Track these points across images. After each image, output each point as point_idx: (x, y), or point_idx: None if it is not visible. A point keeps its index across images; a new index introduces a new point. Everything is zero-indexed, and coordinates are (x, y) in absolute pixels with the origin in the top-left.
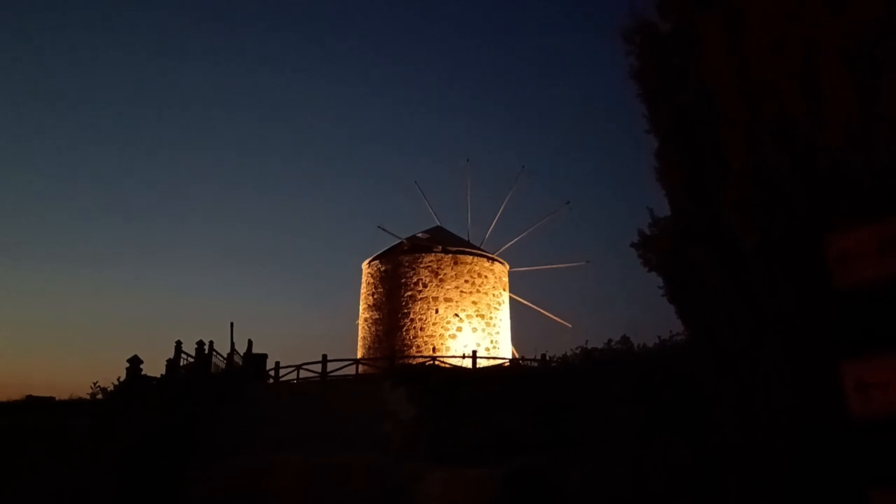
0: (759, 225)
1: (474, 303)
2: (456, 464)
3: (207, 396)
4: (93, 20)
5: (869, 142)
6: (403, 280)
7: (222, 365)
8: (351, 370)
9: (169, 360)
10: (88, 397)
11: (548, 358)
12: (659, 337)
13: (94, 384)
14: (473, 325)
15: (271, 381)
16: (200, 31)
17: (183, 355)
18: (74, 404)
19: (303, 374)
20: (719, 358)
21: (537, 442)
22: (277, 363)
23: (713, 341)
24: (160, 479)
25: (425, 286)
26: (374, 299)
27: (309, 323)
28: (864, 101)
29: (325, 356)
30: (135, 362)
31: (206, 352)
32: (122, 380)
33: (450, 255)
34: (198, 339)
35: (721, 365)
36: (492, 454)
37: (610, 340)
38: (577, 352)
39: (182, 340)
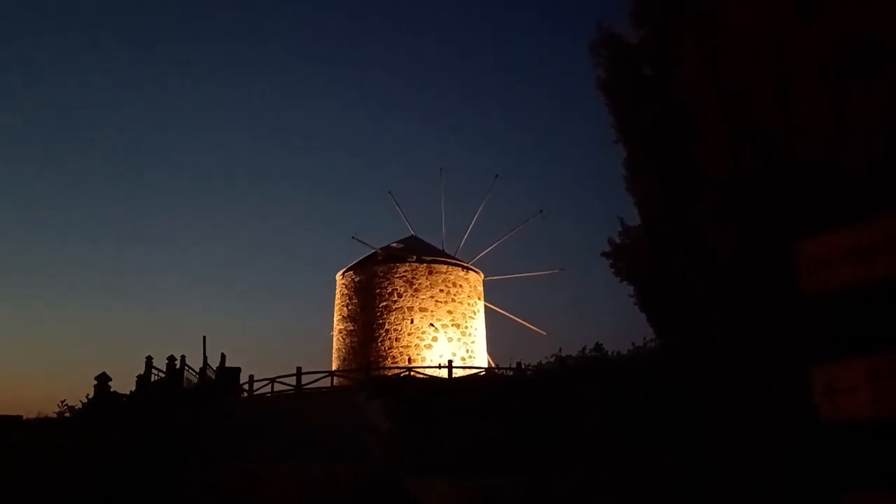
0: (741, 230)
1: (449, 312)
2: (441, 473)
3: (180, 411)
4: (61, 32)
5: (841, 150)
6: (378, 290)
7: (195, 379)
8: (326, 382)
9: (139, 376)
10: (56, 415)
11: (523, 366)
12: (633, 343)
13: (62, 402)
14: (449, 335)
15: (245, 394)
16: (172, 45)
17: (154, 371)
18: (42, 423)
19: (277, 387)
20: (711, 361)
21: (519, 450)
22: (251, 376)
23: (706, 344)
24: (138, 494)
25: (400, 296)
26: (349, 310)
27: (283, 336)
28: (836, 110)
29: (299, 369)
30: (102, 379)
31: (178, 366)
32: (90, 397)
33: (424, 265)
34: (168, 354)
35: (713, 367)
36: (475, 463)
37: (584, 348)
38: (552, 360)
39: (153, 356)
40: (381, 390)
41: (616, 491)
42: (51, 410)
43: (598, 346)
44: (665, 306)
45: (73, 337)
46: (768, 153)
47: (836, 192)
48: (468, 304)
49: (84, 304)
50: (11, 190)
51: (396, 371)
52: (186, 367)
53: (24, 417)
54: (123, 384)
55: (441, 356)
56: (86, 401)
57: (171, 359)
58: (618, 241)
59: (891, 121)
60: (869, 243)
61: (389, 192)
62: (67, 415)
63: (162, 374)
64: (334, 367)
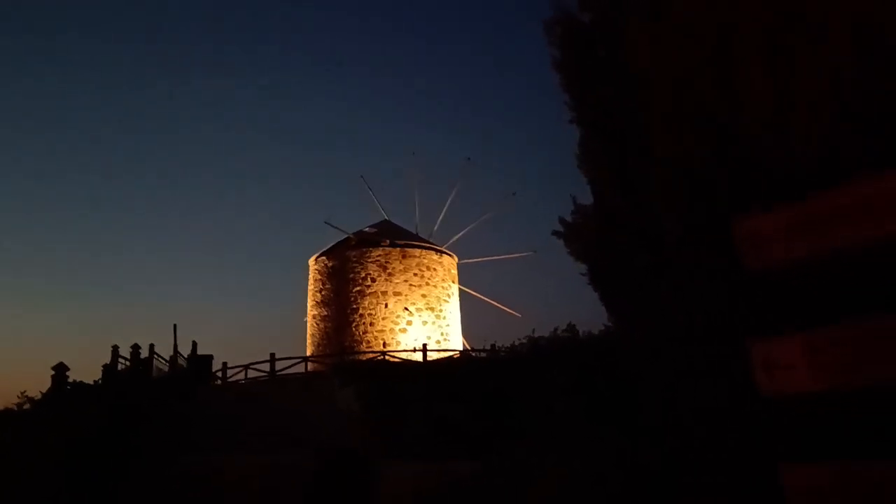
0: (686, 212)
1: (424, 296)
2: (407, 458)
3: (147, 400)
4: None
5: (782, 128)
6: (351, 275)
7: (165, 368)
8: (300, 368)
9: (105, 366)
10: (15, 407)
11: (497, 348)
12: (604, 324)
13: (22, 393)
14: (423, 319)
15: (218, 381)
16: (155, 40)
17: (120, 359)
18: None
19: (251, 373)
20: (673, 358)
21: (486, 433)
22: (225, 364)
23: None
24: (95, 484)
25: (374, 281)
26: (322, 296)
27: (257, 322)
28: (778, 87)
29: (273, 355)
30: (60, 370)
31: (148, 355)
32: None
33: (398, 249)
34: (132, 343)
35: (661, 361)
36: (443, 446)
37: (556, 328)
38: (525, 341)
39: (124, 346)
40: (353, 376)
41: (589, 482)
42: (13, 402)
43: (571, 327)
44: (618, 295)
45: (42, 328)
46: (711, 133)
47: (777, 172)
48: (442, 287)
49: (52, 295)
50: None
51: (371, 356)
52: (155, 356)
53: None
54: (93, 374)
55: (416, 340)
56: (47, 391)
57: (136, 347)
58: (569, 219)
59: (831, 98)
60: (808, 218)
61: (362, 177)
62: (27, 406)
63: (129, 364)
64: (309, 353)
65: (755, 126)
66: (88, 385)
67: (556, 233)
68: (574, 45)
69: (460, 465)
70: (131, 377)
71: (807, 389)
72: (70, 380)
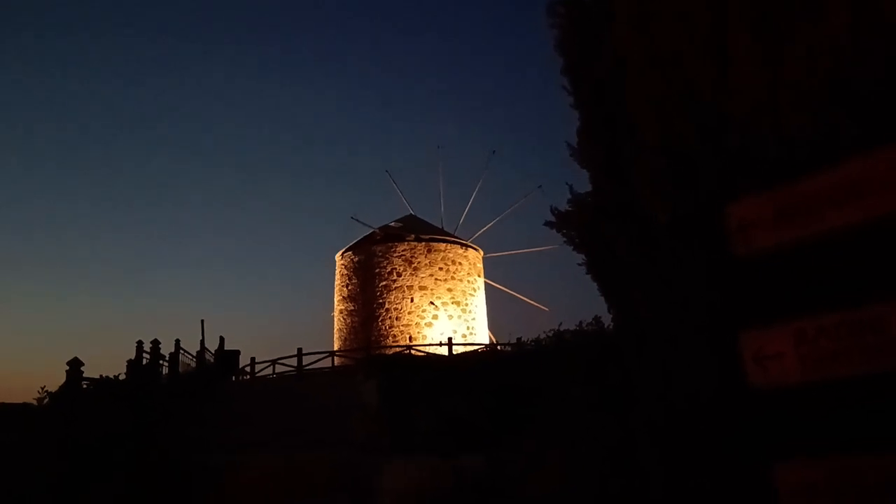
0: (675, 198)
1: (449, 290)
2: (416, 453)
3: (170, 393)
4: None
5: (774, 112)
6: (377, 270)
7: (192, 363)
8: (327, 363)
9: (129, 361)
10: (35, 402)
11: (523, 342)
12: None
13: (42, 388)
14: (449, 313)
15: (247, 377)
16: (184, 38)
17: (145, 355)
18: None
19: (279, 368)
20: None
21: (503, 428)
22: (253, 359)
23: (634, 321)
24: (104, 479)
25: (399, 275)
26: (349, 290)
27: (285, 318)
28: (770, 71)
29: (300, 350)
30: (74, 365)
31: (174, 350)
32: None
33: (423, 244)
34: (152, 339)
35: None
36: (455, 442)
37: (581, 322)
38: (550, 335)
39: (144, 341)
40: (376, 369)
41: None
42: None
43: (596, 319)
44: (613, 285)
45: (74, 328)
46: (701, 117)
47: (768, 157)
48: (468, 281)
49: (83, 297)
50: (13, 185)
51: (397, 350)
52: (182, 351)
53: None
54: (120, 370)
55: (442, 334)
56: (60, 387)
57: (156, 342)
58: (560, 209)
59: (828, 80)
60: (796, 202)
61: (387, 171)
62: (46, 401)
63: (150, 358)
64: (336, 348)
65: (746, 109)
66: (109, 379)
67: (548, 223)
68: (575, 25)
69: (469, 460)
70: (153, 372)
71: (798, 380)
72: (96, 376)
